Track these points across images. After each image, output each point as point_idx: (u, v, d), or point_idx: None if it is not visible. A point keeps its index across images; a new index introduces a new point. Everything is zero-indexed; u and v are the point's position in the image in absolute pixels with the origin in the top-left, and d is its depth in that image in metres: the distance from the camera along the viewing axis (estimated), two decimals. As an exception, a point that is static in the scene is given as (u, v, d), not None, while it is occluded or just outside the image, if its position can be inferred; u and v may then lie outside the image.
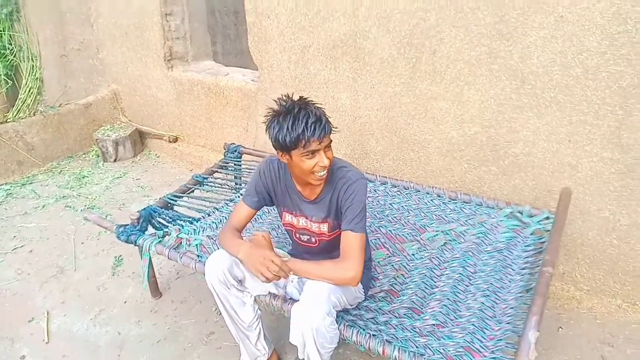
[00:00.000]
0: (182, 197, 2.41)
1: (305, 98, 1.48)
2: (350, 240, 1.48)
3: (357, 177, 1.55)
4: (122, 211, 3.10)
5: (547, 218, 1.99)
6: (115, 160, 3.78)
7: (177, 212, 2.33)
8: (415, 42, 2.26)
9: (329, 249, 1.69)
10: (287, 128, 1.39)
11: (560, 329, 2.07)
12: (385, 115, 2.51)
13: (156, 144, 3.94)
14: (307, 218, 1.64)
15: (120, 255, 2.64)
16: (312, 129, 1.36)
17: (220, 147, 3.50)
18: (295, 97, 1.48)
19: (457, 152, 2.33)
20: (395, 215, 2.24)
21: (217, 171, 2.71)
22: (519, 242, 2.01)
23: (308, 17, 2.58)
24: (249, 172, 2.76)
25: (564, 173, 2.06)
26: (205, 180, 2.60)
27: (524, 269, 1.87)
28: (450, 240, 2.08)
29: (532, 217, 2.04)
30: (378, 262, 2.00)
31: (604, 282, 2.16)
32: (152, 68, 3.66)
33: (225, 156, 2.83)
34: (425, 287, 1.86)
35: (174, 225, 2.19)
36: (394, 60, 2.36)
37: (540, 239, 1.98)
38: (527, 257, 1.93)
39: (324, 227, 1.63)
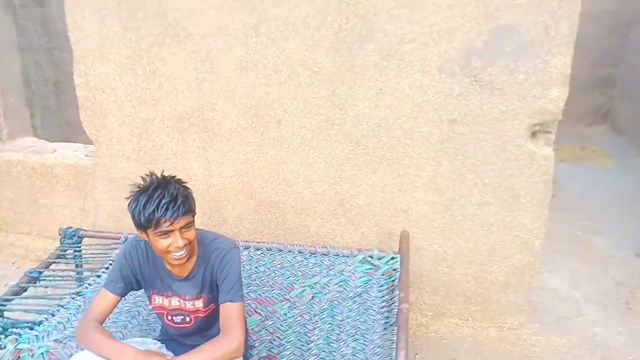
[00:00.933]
0: (14, 299, 2.04)
1: (171, 176, 1.49)
2: (230, 311, 1.47)
3: (231, 246, 1.58)
4: None
5: (393, 258, 2.26)
6: None
7: (9, 318, 1.95)
8: (261, 113, 2.41)
9: (205, 327, 1.63)
10: (140, 207, 1.38)
11: (416, 355, 2.32)
12: (240, 180, 2.58)
13: (-39, 238, 3.24)
14: (180, 297, 1.57)
15: None
16: (163, 209, 1.36)
17: (50, 232, 3.07)
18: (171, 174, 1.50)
19: (311, 209, 2.51)
20: (262, 279, 2.27)
21: (54, 262, 2.37)
22: (374, 284, 2.23)
23: (150, 91, 2.54)
24: (94, 258, 2.49)
25: (399, 217, 2.39)
26: (41, 275, 2.24)
27: (382, 307, 2.08)
28: (316, 293, 2.19)
29: (380, 259, 2.29)
30: (252, 329, 1.98)
31: (443, 306, 2.51)
32: (-48, 149, 3.08)
33: (62, 243, 2.50)
34: (302, 345, 1.91)
35: (8, 335, 1.82)
36: (243, 129, 2.47)
37: (391, 278, 2.22)
38: (383, 296, 2.14)
39: (199, 303, 1.58)
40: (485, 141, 2.16)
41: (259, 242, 2.43)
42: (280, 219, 2.58)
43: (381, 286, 2.20)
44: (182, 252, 1.44)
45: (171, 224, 1.38)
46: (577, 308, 2.61)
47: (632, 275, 2.84)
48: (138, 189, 1.43)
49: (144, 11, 2.41)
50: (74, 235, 2.51)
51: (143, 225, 1.40)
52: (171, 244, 1.40)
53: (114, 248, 2.46)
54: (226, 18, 2.31)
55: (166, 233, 1.39)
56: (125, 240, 2.47)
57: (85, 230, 2.55)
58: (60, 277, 2.33)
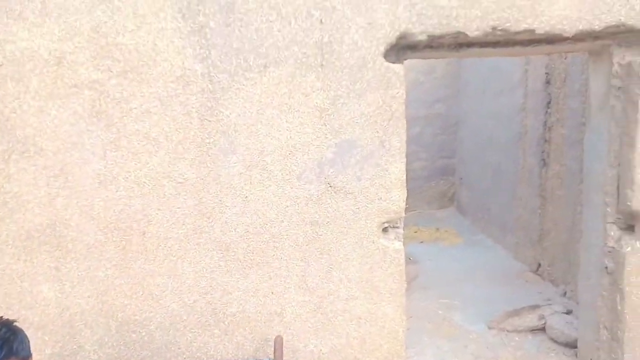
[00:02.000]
0: None
1: None
2: None
3: None
4: None
5: (269, 366, 2.22)
6: None
7: None
8: (122, 226, 2.32)
9: None
10: None
11: None
12: (99, 300, 2.36)
13: None
14: None
15: None
16: None
17: None
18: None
19: (180, 324, 2.38)
20: (125, 412, 2.02)
21: None
22: (252, 397, 2.14)
23: (-10, 209, 2.30)
24: None
25: (273, 321, 2.39)
26: None
27: (262, 422, 1.99)
28: (189, 418, 2.02)
29: (257, 368, 2.23)
30: None
31: (325, 407, 2.48)
32: None
33: None
34: None
35: None
36: (102, 244, 2.33)
37: (269, 387, 2.17)
38: (262, 409, 2.06)
39: None
40: (345, 239, 2.35)
41: (122, 369, 2.20)
42: (146, 339, 2.39)
43: (258, 398, 2.12)
44: None
45: None
46: (445, 386, 2.79)
47: (487, 349, 3.16)
48: None
49: (-14, 127, 2.25)
50: None
51: None
52: None
53: None
54: (82, 133, 2.27)
55: None
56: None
57: None
58: None
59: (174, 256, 2.35)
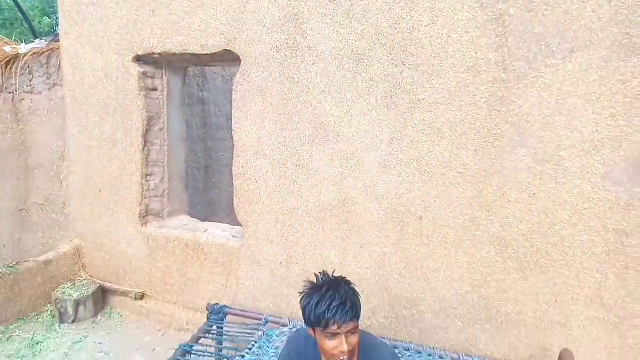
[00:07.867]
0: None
1: (341, 277, 1.47)
2: None
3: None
4: (83, 386, 2.59)
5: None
6: (73, 322, 3.27)
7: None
8: (402, 209, 2.37)
9: None
10: (312, 306, 1.39)
11: None
12: (376, 273, 2.50)
13: (120, 301, 3.52)
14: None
15: None
16: (333, 311, 1.34)
17: (194, 304, 3.20)
18: (338, 275, 1.48)
19: (451, 310, 2.32)
20: (402, 382, 2.08)
21: (203, 337, 2.43)
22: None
23: (297, 183, 2.66)
24: (237, 337, 2.50)
25: (555, 331, 2.09)
26: (192, 349, 2.29)
27: None
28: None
29: (531, 375, 1.99)
30: None
31: None
32: (125, 224, 3.45)
33: (209, 319, 2.57)
34: None
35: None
36: (383, 223, 2.43)
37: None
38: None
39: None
40: (662, 256, 1.86)
41: (395, 341, 2.27)
42: (416, 317, 2.41)
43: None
44: (346, 357, 1.38)
45: (339, 327, 1.35)
46: None
47: None
48: (310, 286, 1.44)
49: (299, 116, 2.59)
50: (220, 312, 2.57)
51: (313, 323, 1.39)
52: (336, 347, 1.37)
53: (255, 329, 2.47)
54: (373, 122, 2.39)
55: (333, 335, 1.37)
56: (266, 322, 2.48)
57: (230, 308, 2.61)
58: (202, 352, 2.35)
59: (449, 244, 2.29)
